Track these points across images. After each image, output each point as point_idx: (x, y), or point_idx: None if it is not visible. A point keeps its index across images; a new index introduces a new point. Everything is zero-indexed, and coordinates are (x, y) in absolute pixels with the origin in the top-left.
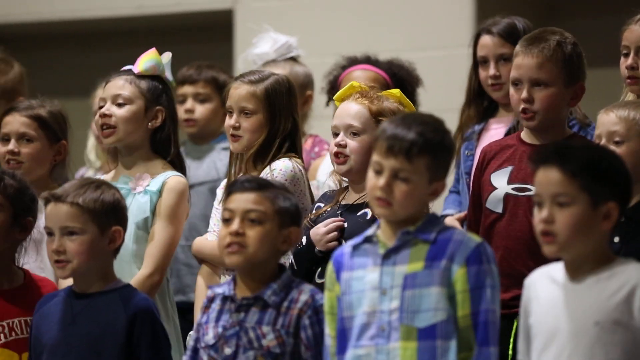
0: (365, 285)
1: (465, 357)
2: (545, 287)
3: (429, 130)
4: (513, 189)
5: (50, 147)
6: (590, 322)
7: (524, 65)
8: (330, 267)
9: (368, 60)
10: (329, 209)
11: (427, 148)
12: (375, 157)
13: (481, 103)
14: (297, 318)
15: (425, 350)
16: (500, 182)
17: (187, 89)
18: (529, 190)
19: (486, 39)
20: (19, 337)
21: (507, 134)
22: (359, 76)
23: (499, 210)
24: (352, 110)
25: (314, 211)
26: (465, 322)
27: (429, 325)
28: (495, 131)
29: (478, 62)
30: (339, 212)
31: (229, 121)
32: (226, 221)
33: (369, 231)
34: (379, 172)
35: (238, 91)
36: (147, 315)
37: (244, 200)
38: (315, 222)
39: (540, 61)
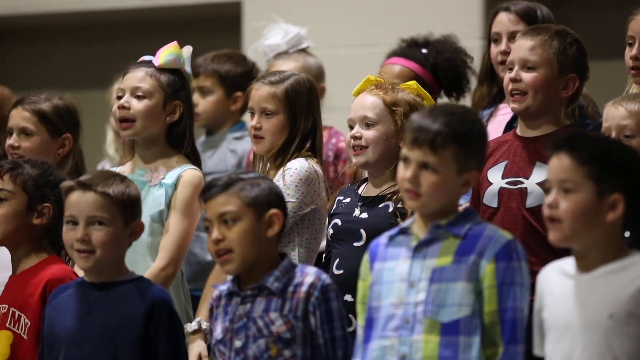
0: (395, 276)
1: (491, 354)
2: (558, 280)
3: (455, 120)
4: (507, 182)
5: (52, 141)
6: (604, 315)
7: (518, 47)
8: (365, 257)
9: (404, 52)
10: (348, 201)
11: (452, 138)
12: (403, 149)
13: (493, 84)
14: (305, 301)
15: (447, 345)
16: (495, 177)
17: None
18: (522, 183)
19: (502, 16)
20: None
21: (513, 118)
22: (390, 70)
23: (495, 205)
24: (366, 102)
25: (334, 206)
26: (492, 318)
27: (452, 321)
28: (503, 117)
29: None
30: (359, 203)
31: (251, 122)
32: (207, 230)
33: (406, 223)
34: (406, 164)
35: (259, 92)
36: (164, 306)
37: (214, 205)
38: (335, 215)
39: (533, 44)
